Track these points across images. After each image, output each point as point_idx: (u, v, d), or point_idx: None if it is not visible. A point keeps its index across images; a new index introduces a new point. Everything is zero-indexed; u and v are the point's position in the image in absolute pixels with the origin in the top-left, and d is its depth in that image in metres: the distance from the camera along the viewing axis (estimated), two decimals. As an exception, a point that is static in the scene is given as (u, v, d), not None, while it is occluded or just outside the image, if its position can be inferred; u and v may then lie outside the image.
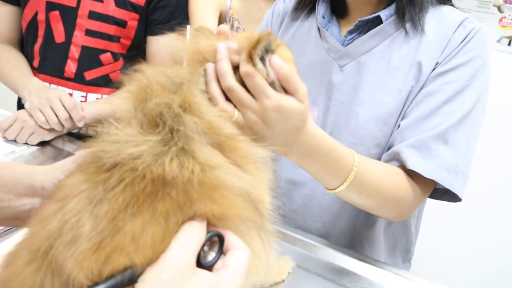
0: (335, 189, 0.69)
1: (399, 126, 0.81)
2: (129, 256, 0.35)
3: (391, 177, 0.75)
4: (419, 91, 0.81)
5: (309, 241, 0.83)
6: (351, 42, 0.86)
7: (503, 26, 1.94)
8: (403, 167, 0.77)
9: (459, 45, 0.79)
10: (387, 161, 0.79)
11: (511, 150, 1.94)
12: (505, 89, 1.86)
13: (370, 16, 0.83)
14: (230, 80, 0.51)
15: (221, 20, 1.42)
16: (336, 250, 0.82)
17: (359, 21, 0.84)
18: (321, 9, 0.91)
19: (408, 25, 0.82)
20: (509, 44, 1.93)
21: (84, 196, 0.38)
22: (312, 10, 0.95)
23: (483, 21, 1.94)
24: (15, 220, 0.51)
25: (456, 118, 0.76)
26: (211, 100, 0.50)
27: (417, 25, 0.82)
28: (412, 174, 0.76)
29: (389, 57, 0.83)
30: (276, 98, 0.53)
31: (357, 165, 0.68)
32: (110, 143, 0.40)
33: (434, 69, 0.80)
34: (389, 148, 0.81)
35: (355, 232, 0.89)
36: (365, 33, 0.85)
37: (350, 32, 0.86)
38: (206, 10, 1.35)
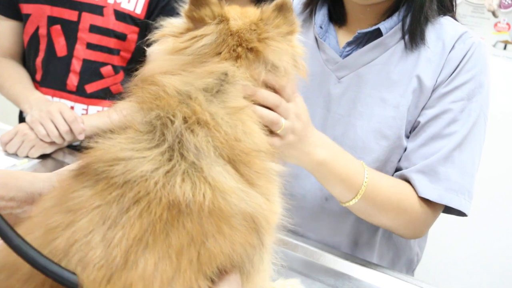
0: (349, 201, 0.74)
1: (405, 149, 0.82)
2: None
3: (401, 192, 0.78)
4: (422, 109, 0.81)
5: (310, 248, 0.83)
6: (349, 54, 0.86)
7: (498, 31, 1.96)
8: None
9: (460, 62, 0.80)
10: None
11: (508, 154, 1.95)
12: (502, 94, 1.87)
13: (370, 29, 0.83)
14: (276, 97, 0.56)
15: None
16: (338, 256, 0.82)
17: (358, 33, 0.83)
18: (319, 18, 0.90)
19: (409, 39, 0.82)
20: (504, 48, 1.95)
21: (97, 214, 0.36)
22: (309, 17, 0.93)
23: (478, 26, 1.96)
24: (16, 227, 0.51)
25: (460, 138, 0.78)
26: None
27: (418, 39, 0.81)
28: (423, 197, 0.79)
29: (388, 70, 0.83)
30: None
31: (368, 176, 0.73)
32: (113, 159, 0.39)
33: (435, 86, 0.80)
34: (397, 170, 0.83)
35: (356, 244, 0.89)
36: (364, 45, 0.85)
37: (349, 44, 0.86)
38: None
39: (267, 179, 0.46)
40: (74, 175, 0.40)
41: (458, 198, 0.78)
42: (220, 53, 0.51)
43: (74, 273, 0.33)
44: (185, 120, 0.42)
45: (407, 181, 0.80)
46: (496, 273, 1.99)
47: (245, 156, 0.43)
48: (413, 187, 0.79)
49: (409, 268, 0.97)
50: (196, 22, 0.54)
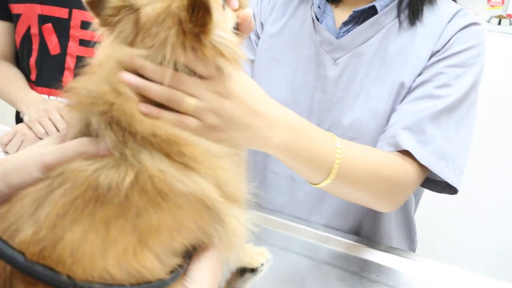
0: (321, 182, 0.64)
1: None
2: (70, 270, 0.34)
3: (381, 160, 0.72)
4: (415, 79, 0.80)
5: (313, 231, 0.84)
6: (346, 34, 0.85)
7: (492, 6, 1.95)
8: (396, 152, 0.75)
9: (456, 33, 0.79)
10: (382, 144, 0.78)
11: (502, 129, 1.96)
12: (497, 69, 1.86)
13: (365, 6, 0.82)
14: (154, 67, 0.43)
15: None
16: (342, 238, 0.83)
17: (353, 11, 0.83)
18: None
19: (404, 16, 0.81)
20: (499, 23, 1.94)
21: (28, 200, 0.38)
22: None
23: (472, 2, 1.95)
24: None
25: (451, 101, 0.76)
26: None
27: (416, 16, 0.81)
28: (405, 159, 0.75)
29: (384, 49, 0.82)
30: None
31: (340, 152, 0.63)
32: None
33: (431, 56, 0.80)
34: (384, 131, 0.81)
35: (361, 226, 0.89)
36: (360, 24, 0.84)
37: (345, 24, 0.85)
38: None
39: (211, 162, 0.43)
40: None
41: (440, 163, 0.74)
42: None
43: (21, 252, 0.34)
44: (101, 116, 0.42)
45: (393, 139, 0.76)
46: (496, 251, 2.01)
47: (172, 146, 0.41)
48: (397, 142, 0.74)
49: (410, 248, 0.99)
50: (111, 24, 0.46)
